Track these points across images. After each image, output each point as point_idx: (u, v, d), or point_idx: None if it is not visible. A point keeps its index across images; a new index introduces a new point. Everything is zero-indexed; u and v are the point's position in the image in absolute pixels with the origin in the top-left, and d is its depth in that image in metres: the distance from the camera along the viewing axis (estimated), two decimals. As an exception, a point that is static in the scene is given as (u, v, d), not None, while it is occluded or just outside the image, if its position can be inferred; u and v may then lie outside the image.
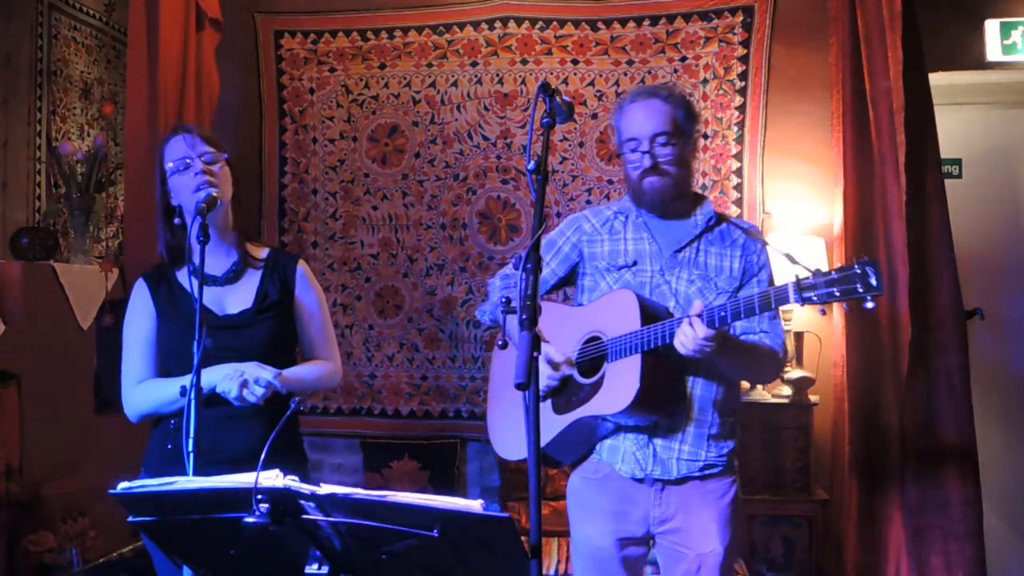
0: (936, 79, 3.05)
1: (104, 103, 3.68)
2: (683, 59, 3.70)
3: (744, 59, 3.65)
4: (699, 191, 3.65)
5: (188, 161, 2.03)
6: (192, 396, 1.74)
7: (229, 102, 3.89)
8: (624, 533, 2.05)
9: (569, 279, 2.19)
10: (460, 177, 3.88)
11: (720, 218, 2.10)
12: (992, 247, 3.81)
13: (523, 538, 1.35)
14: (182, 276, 2.10)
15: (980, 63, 3.56)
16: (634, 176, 2.03)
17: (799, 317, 3.47)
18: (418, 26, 3.91)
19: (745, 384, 3.43)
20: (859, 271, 1.68)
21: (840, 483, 3.13)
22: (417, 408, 3.89)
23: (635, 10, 3.73)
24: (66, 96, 3.50)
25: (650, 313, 1.94)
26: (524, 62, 3.82)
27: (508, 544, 1.35)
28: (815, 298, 1.73)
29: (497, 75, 3.84)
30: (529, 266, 1.49)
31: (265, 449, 1.53)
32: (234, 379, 1.92)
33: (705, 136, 3.68)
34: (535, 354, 1.43)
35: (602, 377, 2.00)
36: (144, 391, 2.04)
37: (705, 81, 3.68)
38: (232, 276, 2.11)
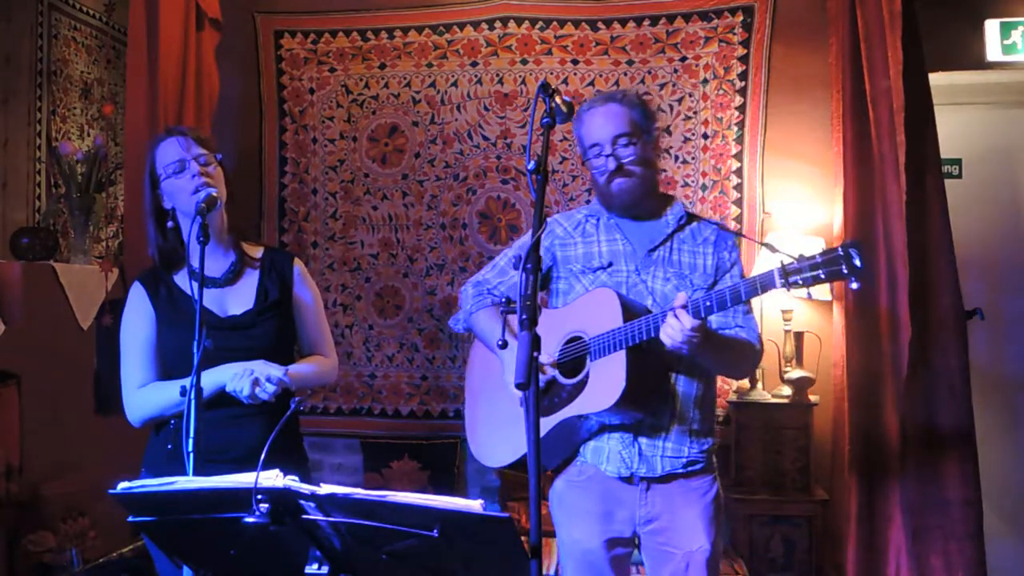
0: (936, 79, 3.05)
1: (104, 103, 3.68)
2: (683, 59, 3.70)
3: (744, 59, 3.65)
4: (700, 191, 3.69)
5: (184, 163, 2.02)
6: (192, 396, 1.73)
7: (229, 102, 3.89)
8: (611, 534, 2.06)
9: (543, 284, 2.20)
10: (460, 177, 3.88)
11: (690, 217, 2.14)
12: (992, 247, 3.81)
13: (523, 538, 1.35)
14: (180, 279, 2.09)
15: (980, 63, 3.55)
16: (601, 180, 2.06)
17: (799, 317, 3.47)
18: (418, 26, 3.91)
19: (745, 384, 3.43)
20: (843, 253, 1.71)
21: (840, 483, 3.13)
22: (417, 408, 3.89)
23: (635, 10, 3.73)
24: (66, 96, 3.50)
25: (631, 311, 1.96)
26: (524, 62, 3.82)
27: (508, 544, 1.35)
28: (800, 281, 1.75)
29: (497, 75, 3.84)
30: (529, 266, 1.49)
31: (265, 449, 1.53)
32: (245, 378, 1.93)
33: (705, 136, 3.68)
34: (535, 354, 1.43)
35: (586, 376, 2.00)
36: (146, 395, 2.04)
37: (705, 81, 3.68)
38: (231, 277, 2.11)
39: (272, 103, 4.03)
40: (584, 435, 2.07)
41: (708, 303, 1.83)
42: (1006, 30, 3.53)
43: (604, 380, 1.95)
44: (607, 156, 2.03)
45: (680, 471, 2.03)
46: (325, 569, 1.65)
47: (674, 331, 1.80)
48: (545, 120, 1.62)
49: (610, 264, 2.08)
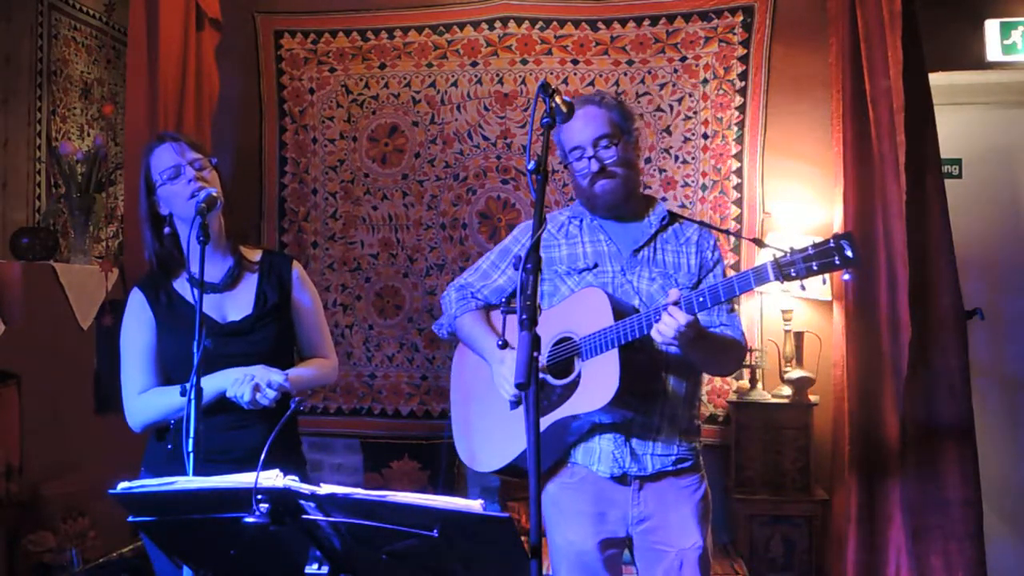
0: (936, 79, 3.05)
1: (104, 103, 3.68)
2: (683, 59, 3.70)
3: (744, 59, 3.65)
4: (700, 191, 3.69)
5: (179, 169, 2.02)
6: (192, 396, 1.74)
7: (229, 102, 3.89)
8: (605, 535, 2.06)
9: None
10: (460, 177, 3.88)
11: (672, 217, 2.15)
12: (992, 247, 3.81)
13: (523, 538, 1.35)
14: (179, 285, 2.09)
15: (980, 63, 3.56)
16: (584, 183, 2.07)
17: (799, 317, 3.48)
18: (418, 26, 3.91)
19: (745, 384, 3.44)
20: (834, 244, 1.74)
21: (840, 483, 3.13)
22: (417, 408, 3.89)
23: (635, 10, 3.73)
24: (66, 96, 3.50)
25: (619, 310, 1.96)
26: (524, 62, 3.82)
27: (508, 544, 1.35)
28: (794, 273, 1.77)
29: (497, 75, 3.84)
30: (529, 266, 1.49)
31: (265, 449, 1.54)
32: (246, 384, 1.93)
33: (705, 136, 3.68)
34: (535, 354, 1.44)
35: (578, 376, 2.00)
36: (147, 400, 2.04)
37: (705, 81, 3.68)
38: (229, 282, 2.10)
39: (272, 103, 4.03)
40: (574, 437, 2.07)
41: (702, 298, 1.84)
42: (1006, 30, 3.53)
43: (597, 379, 1.95)
44: (589, 158, 2.04)
45: (670, 469, 2.05)
46: (325, 569, 1.65)
47: (668, 327, 1.81)
48: (545, 120, 1.62)
49: (595, 265, 2.09)
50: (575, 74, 3.78)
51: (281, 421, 1.72)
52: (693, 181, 3.69)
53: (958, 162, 3.86)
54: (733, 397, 3.45)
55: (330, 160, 3.98)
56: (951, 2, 3.53)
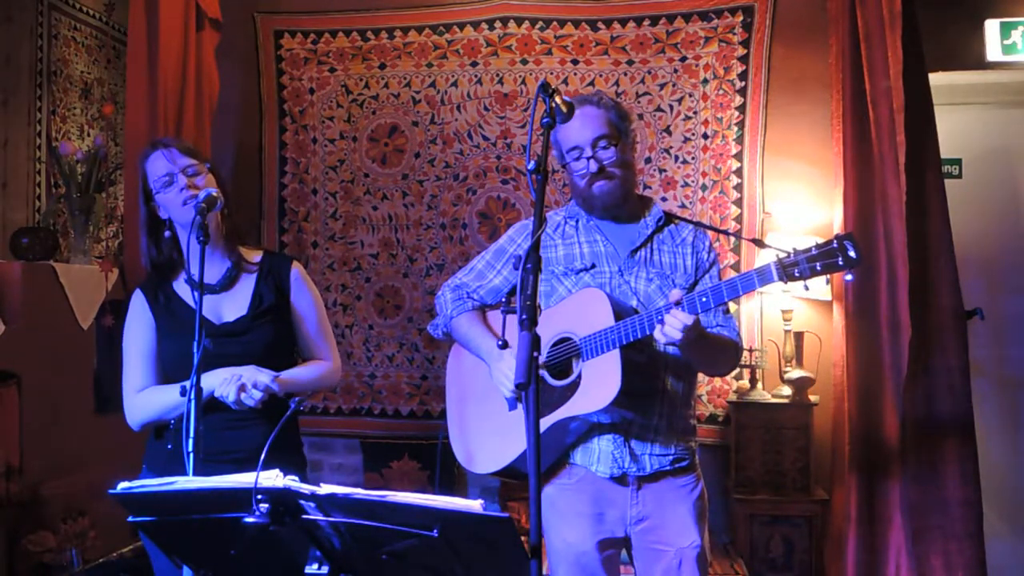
0: (936, 79, 3.05)
1: (104, 103, 3.68)
2: (683, 59, 3.70)
3: (744, 59, 3.65)
4: (700, 191, 3.69)
5: (172, 177, 2.03)
6: (192, 396, 1.74)
7: (229, 102, 3.89)
8: (604, 535, 2.06)
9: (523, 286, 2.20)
10: (460, 177, 3.88)
11: (668, 217, 2.15)
12: (992, 247, 3.81)
13: (523, 538, 1.35)
14: (178, 286, 2.11)
15: (980, 63, 3.55)
16: (582, 183, 2.07)
17: (799, 317, 3.48)
18: (418, 26, 3.91)
19: (745, 384, 3.44)
20: (838, 245, 1.75)
21: (840, 483, 3.13)
22: (417, 408, 3.89)
23: (635, 10, 3.73)
24: (66, 96, 3.49)
25: (618, 311, 1.96)
26: (524, 62, 3.82)
27: (508, 544, 1.35)
28: (797, 274, 1.78)
29: (497, 75, 3.84)
30: (529, 266, 1.49)
31: (265, 449, 1.54)
32: (232, 384, 1.94)
33: (705, 136, 3.68)
34: (535, 354, 1.43)
35: (578, 377, 2.00)
36: (145, 399, 2.05)
37: (705, 81, 3.68)
38: (226, 283, 2.11)
39: (272, 103, 4.03)
40: (573, 437, 2.07)
41: (705, 298, 1.85)
42: (1006, 30, 3.53)
43: (599, 380, 1.94)
44: (588, 159, 2.03)
45: (668, 468, 2.05)
46: (325, 569, 1.65)
47: (673, 328, 1.81)
48: (545, 120, 1.62)
49: (593, 265, 2.09)
50: (575, 74, 3.78)
51: (281, 421, 1.72)
52: (693, 181, 3.69)
53: (958, 162, 3.86)
54: (733, 397, 3.45)
55: (330, 160, 3.98)
56: (951, 2, 3.53)
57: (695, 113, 3.69)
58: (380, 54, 3.94)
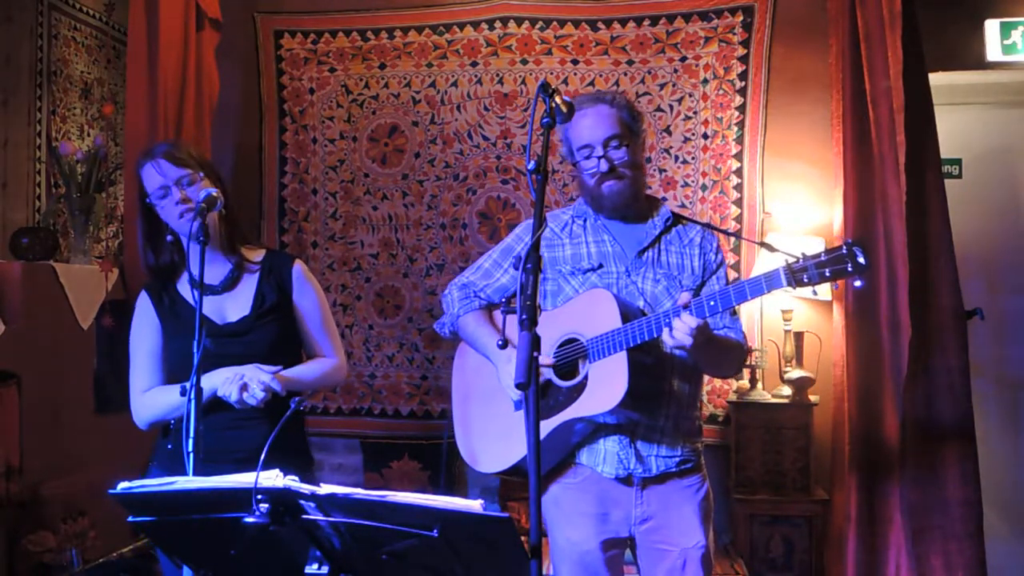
0: (936, 79, 3.05)
1: (104, 103, 3.68)
2: (683, 59, 3.70)
3: (744, 59, 3.65)
4: (700, 191, 3.69)
5: (167, 189, 2.03)
6: (192, 396, 1.74)
7: (229, 102, 3.89)
8: (607, 535, 2.06)
9: None
10: (460, 177, 3.88)
11: (676, 218, 2.15)
12: (992, 247, 3.81)
13: (523, 538, 1.35)
14: (182, 288, 2.12)
15: (980, 63, 3.55)
16: (591, 182, 2.06)
17: (799, 317, 3.47)
18: (418, 26, 3.91)
19: (745, 384, 3.44)
20: (847, 251, 1.74)
21: (840, 483, 3.13)
22: (417, 408, 3.89)
23: (635, 10, 3.73)
24: (66, 96, 3.49)
25: (626, 312, 1.96)
26: (524, 62, 3.82)
27: (508, 544, 1.35)
28: (807, 279, 1.78)
29: (497, 75, 3.84)
30: (529, 266, 1.49)
31: (265, 449, 1.54)
32: (234, 383, 1.95)
33: (705, 136, 3.68)
34: (535, 354, 1.43)
35: (585, 378, 2.00)
36: (150, 399, 2.08)
37: (705, 81, 3.68)
38: (228, 283, 2.12)
39: (272, 103, 4.03)
40: (578, 438, 2.07)
41: (713, 302, 1.84)
42: (1006, 30, 3.53)
43: (605, 382, 1.94)
44: (599, 158, 2.03)
45: (674, 470, 2.05)
46: (325, 569, 1.65)
47: (681, 331, 1.81)
48: (545, 120, 1.62)
49: (600, 265, 2.08)
50: (575, 74, 3.78)
51: (281, 421, 1.72)
52: (693, 181, 3.69)
53: (958, 162, 3.86)
54: (733, 397, 3.44)
55: (330, 160, 3.98)
56: (951, 2, 3.53)
57: (695, 113, 3.69)
58: (380, 54, 3.94)
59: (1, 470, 2.75)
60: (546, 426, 2.01)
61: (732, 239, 3.61)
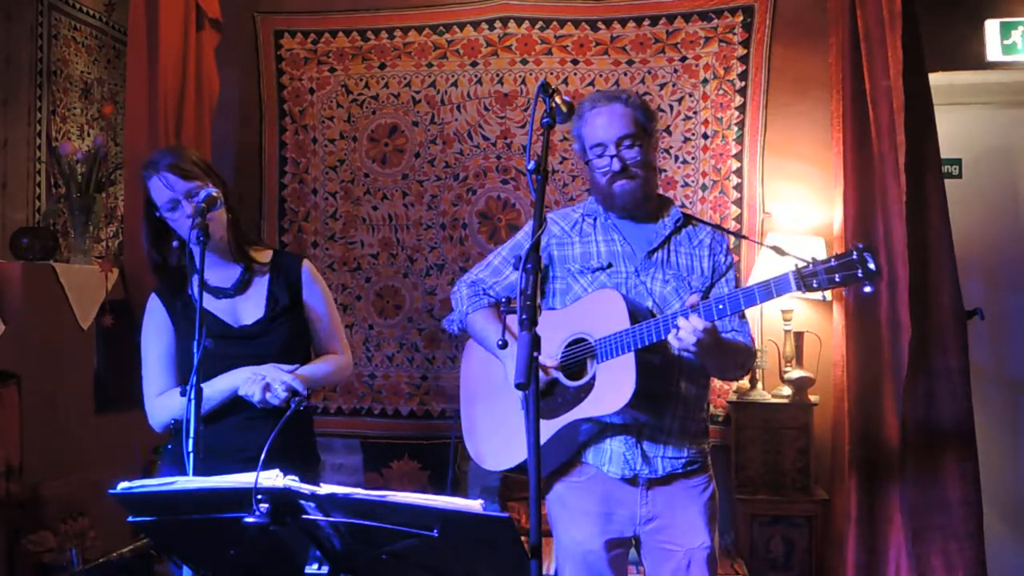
0: (936, 79, 3.05)
1: (104, 103, 3.68)
2: (683, 59, 3.70)
3: (744, 59, 3.65)
4: (700, 191, 3.69)
5: (177, 203, 2.04)
6: (191, 396, 1.75)
7: (229, 102, 3.89)
8: (612, 534, 2.06)
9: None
10: (460, 177, 3.88)
11: (686, 219, 2.14)
12: (992, 247, 3.81)
13: (523, 538, 1.35)
14: (193, 291, 2.12)
15: (980, 63, 3.55)
16: (603, 181, 2.06)
17: (799, 317, 3.47)
18: (418, 26, 3.91)
19: (745, 384, 3.43)
20: (857, 257, 1.73)
21: (840, 483, 3.13)
22: (417, 408, 3.89)
23: (635, 10, 3.73)
24: (66, 96, 3.49)
25: (634, 313, 1.96)
26: (524, 62, 3.82)
27: (508, 544, 1.35)
28: (816, 284, 1.76)
29: (497, 75, 3.84)
30: (529, 266, 1.49)
31: (265, 449, 1.54)
32: (256, 383, 1.97)
33: (705, 136, 3.68)
34: (535, 354, 1.43)
35: (593, 378, 1.99)
36: (164, 402, 2.10)
37: (705, 81, 3.68)
38: (241, 286, 2.14)
39: (272, 103, 4.03)
40: (585, 437, 2.07)
41: (721, 305, 1.83)
42: (1006, 30, 3.53)
43: (613, 382, 1.94)
44: (611, 157, 2.02)
45: (679, 471, 2.05)
46: (325, 569, 1.65)
47: (687, 334, 1.80)
48: (545, 120, 1.62)
49: (610, 265, 2.08)
50: (575, 74, 3.78)
51: (281, 422, 1.73)
52: (693, 181, 3.69)
53: (958, 162, 3.85)
54: (733, 397, 3.44)
55: (330, 160, 3.98)
56: (951, 2, 3.52)
57: (695, 113, 3.69)
58: (380, 54, 3.94)
59: (1, 470, 2.75)
60: (553, 426, 2.01)
61: (734, 239, 3.61)
